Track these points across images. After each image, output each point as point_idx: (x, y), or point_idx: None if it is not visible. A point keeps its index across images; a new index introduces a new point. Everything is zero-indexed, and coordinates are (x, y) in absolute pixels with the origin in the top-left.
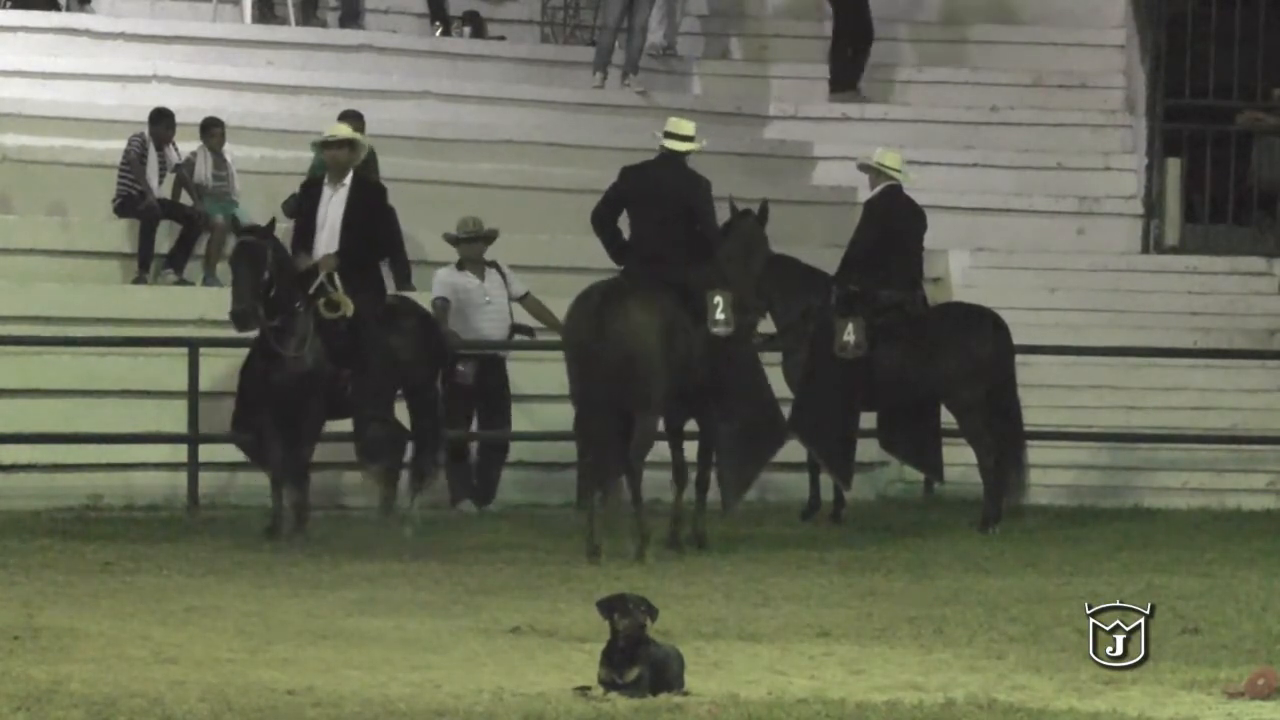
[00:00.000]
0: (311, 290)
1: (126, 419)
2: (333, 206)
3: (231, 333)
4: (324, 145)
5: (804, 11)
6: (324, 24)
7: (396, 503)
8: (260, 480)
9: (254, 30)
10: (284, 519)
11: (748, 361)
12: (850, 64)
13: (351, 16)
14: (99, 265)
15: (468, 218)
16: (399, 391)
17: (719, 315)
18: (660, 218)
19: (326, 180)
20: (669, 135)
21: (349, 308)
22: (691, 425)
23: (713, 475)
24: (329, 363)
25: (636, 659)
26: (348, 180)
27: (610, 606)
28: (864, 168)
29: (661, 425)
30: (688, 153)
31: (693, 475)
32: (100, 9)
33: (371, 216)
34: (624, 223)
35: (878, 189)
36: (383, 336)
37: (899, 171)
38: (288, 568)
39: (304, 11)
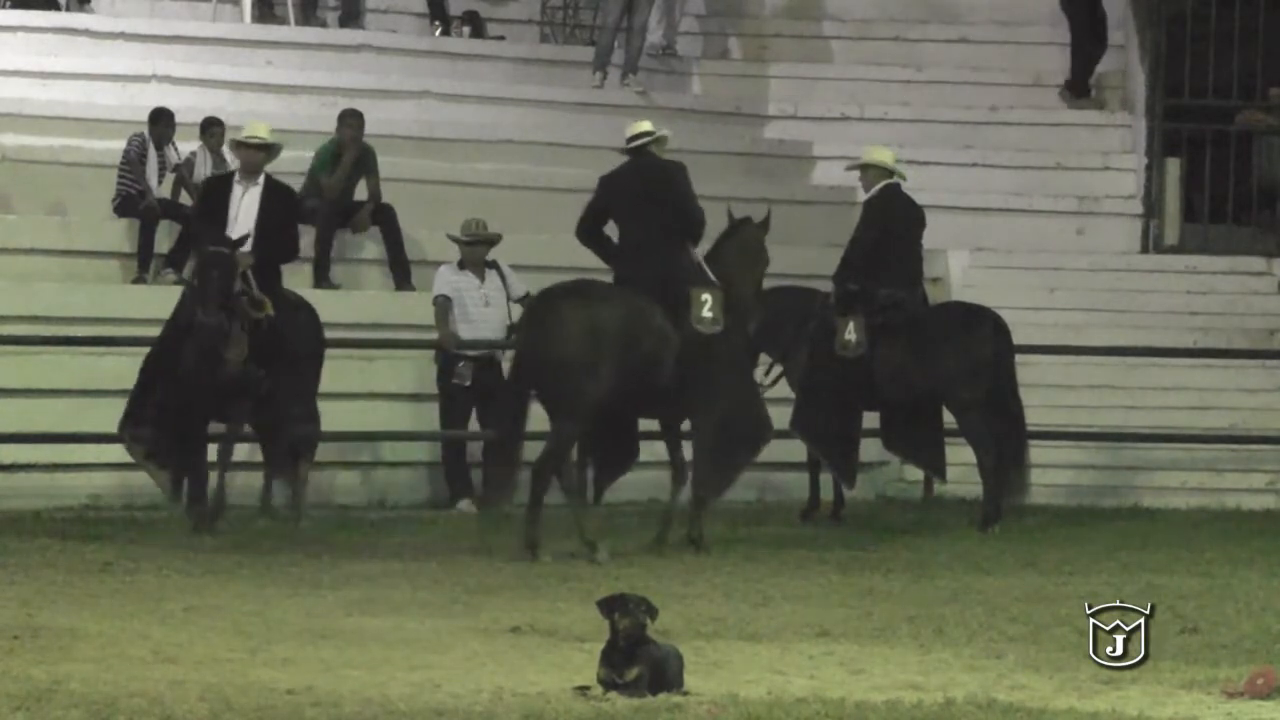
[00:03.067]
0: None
1: None
2: (245, 204)
3: None
4: (240, 146)
5: (803, 11)
6: (324, 24)
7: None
8: (260, 480)
9: (253, 30)
10: (205, 514)
11: (733, 361)
12: (1084, 68)
13: (351, 16)
14: (99, 265)
15: (472, 219)
16: None
17: (705, 314)
18: (643, 214)
19: (237, 177)
20: (632, 137)
21: (269, 307)
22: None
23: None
24: (252, 362)
25: (636, 658)
26: (260, 179)
27: (610, 606)
28: (860, 168)
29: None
30: (652, 144)
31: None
32: (100, 9)
33: (283, 216)
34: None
35: (876, 188)
36: (296, 334)
37: (890, 165)
38: (287, 568)
39: (304, 11)
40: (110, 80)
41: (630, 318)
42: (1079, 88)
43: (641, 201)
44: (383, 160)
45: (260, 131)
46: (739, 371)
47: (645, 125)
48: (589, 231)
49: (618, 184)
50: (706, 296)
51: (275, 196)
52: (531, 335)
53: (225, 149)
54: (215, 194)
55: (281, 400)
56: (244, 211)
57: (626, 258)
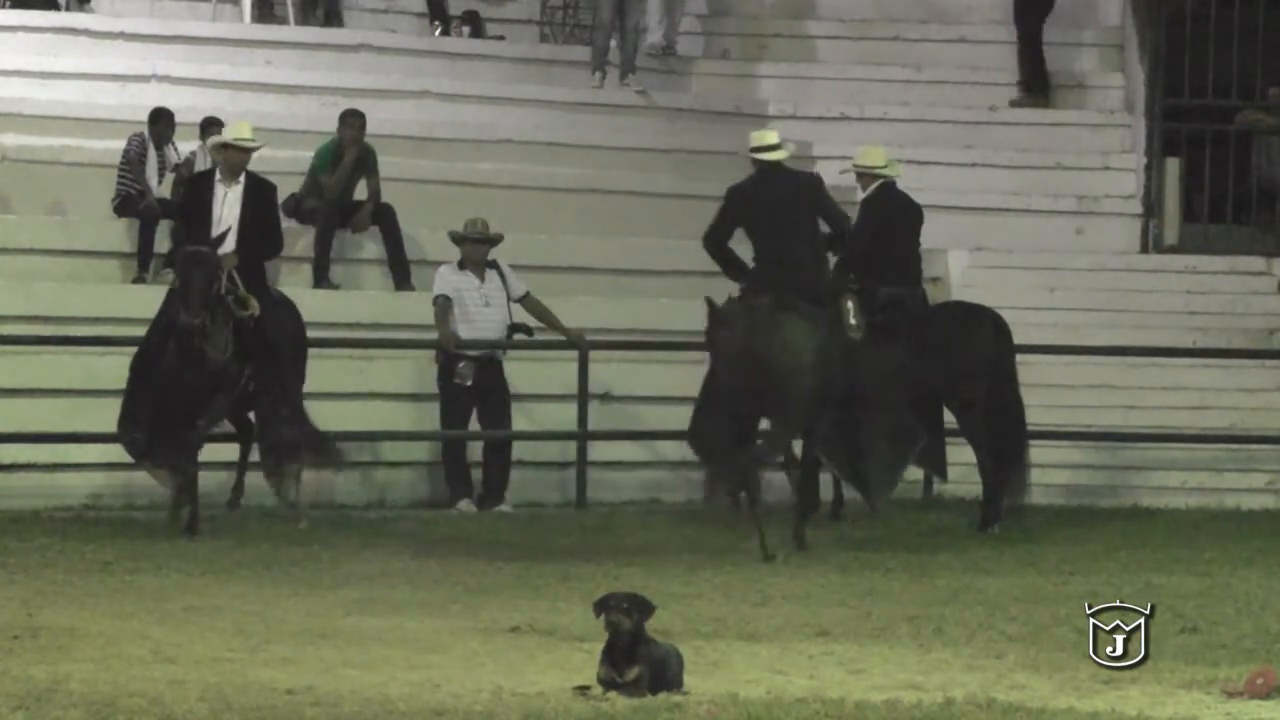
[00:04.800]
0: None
1: None
2: (229, 204)
3: None
4: (228, 148)
5: (803, 11)
6: (323, 24)
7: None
8: (258, 480)
9: (253, 30)
10: (198, 514)
11: (874, 363)
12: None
13: (334, 15)
14: (99, 265)
15: (475, 219)
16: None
17: (852, 320)
18: (789, 225)
19: (219, 176)
20: (761, 149)
21: (255, 306)
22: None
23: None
24: (236, 361)
25: (636, 658)
26: (242, 178)
27: (601, 605)
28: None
29: None
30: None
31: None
32: (100, 9)
33: (266, 213)
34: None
35: (872, 187)
36: (280, 333)
37: (885, 167)
38: (288, 567)
39: (303, 11)
40: (110, 80)
41: (822, 330)
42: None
43: (786, 213)
44: (383, 160)
45: (246, 132)
46: (883, 372)
47: (773, 136)
48: (720, 243)
49: (756, 196)
50: (851, 303)
51: (257, 193)
52: (764, 345)
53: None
54: (198, 193)
55: (267, 401)
56: (227, 211)
57: (772, 268)
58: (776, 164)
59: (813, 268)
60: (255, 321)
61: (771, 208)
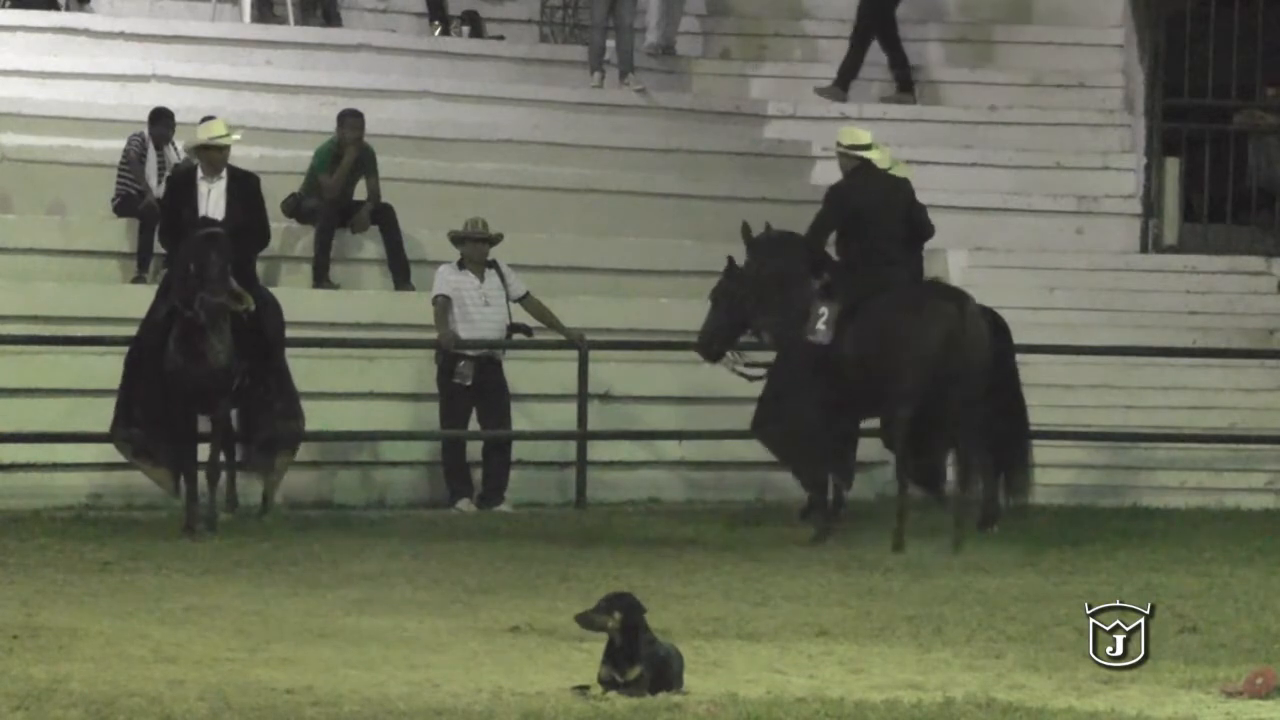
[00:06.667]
0: None
1: None
2: (213, 199)
3: None
4: (206, 149)
5: (803, 11)
6: (323, 24)
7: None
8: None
9: (253, 30)
10: (198, 513)
11: None
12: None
13: (334, 15)
14: (98, 265)
15: (474, 218)
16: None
17: None
18: (889, 224)
19: (201, 174)
20: (857, 147)
21: (250, 302)
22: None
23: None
24: (236, 356)
25: (637, 658)
26: (223, 173)
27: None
28: None
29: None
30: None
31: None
32: (99, 9)
33: (251, 205)
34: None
35: None
36: (271, 328)
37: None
38: (287, 567)
39: (303, 11)
40: (110, 80)
41: None
42: (845, 83)
43: (886, 213)
44: (383, 160)
45: (221, 130)
46: None
47: (867, 135)
48: (824, 237)
49: (859, 196)
50: None
51: (241, 186)
52: (966, 342)
53: (183, 149)
54: (183, 192)
55: (263, 395)
56: (213, 207)
57: (876, 266)
58: (870, 163)
59: (912, 266)
60: (250, 317)
61: (874, 207)
